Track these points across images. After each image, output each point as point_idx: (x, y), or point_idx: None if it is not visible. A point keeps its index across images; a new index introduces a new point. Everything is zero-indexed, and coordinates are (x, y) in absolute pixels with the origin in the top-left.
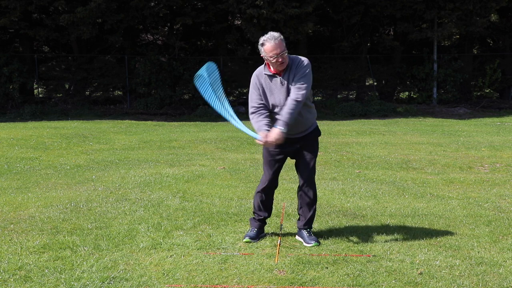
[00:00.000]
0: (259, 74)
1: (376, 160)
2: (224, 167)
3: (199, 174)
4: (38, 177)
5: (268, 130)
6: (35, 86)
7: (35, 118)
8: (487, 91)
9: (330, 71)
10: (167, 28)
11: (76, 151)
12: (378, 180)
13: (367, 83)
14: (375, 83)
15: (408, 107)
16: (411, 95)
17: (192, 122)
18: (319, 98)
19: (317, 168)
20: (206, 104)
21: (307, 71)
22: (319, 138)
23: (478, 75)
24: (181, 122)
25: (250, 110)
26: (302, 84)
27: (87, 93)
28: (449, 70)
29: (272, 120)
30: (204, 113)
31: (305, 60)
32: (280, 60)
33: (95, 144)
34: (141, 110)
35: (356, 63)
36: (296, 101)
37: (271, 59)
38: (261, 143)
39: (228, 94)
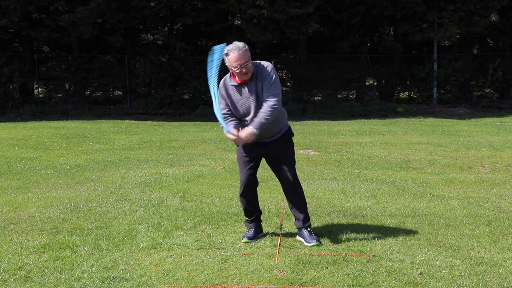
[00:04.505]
0: (226, 84)
1: (376, 160)
2: (224, 167)
3: (199, 174)
4: (38, 177)
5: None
6: (35, 86)
7: (35, 118)
8: (487, 91)
9: (330, 71)
10: (167, 28)
11: (76, 151)
12: (378, 180)
13: (367, 83)
14: (375, 83)
15: (408, 107)
16: (411, 95)
17: (192, 122)
18: (319, 98)
19: (317, 168)
20: (206, 104)
21: (273, 77)
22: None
23: (478, 75)
24: (181, 122)
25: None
26: (274, 90)
27: (87, 93)
28: (449, 70)
29: (242, 127)
30: (204, 113)
31: (268, 65)
32: (244, 70)
33: (95, 144)
34: (141, 110)
35: (356, 63)
36: (273, 107)
37: (235, 69)
38: (231, 137)
39: None
